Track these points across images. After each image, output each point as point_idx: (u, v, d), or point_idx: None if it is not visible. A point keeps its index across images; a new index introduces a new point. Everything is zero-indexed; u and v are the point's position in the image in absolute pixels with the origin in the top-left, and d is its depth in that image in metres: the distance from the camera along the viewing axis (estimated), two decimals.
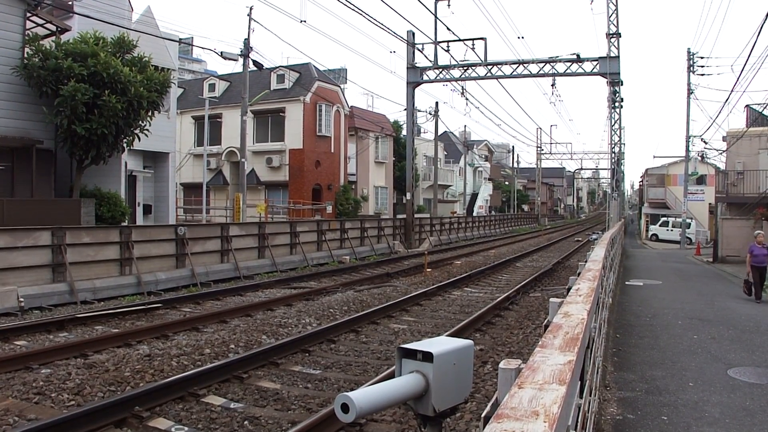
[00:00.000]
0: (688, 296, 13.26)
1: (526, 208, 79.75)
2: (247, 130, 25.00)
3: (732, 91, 34.00)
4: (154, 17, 21.58)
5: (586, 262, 6.12)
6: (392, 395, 2.24)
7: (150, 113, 16.63)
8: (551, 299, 3.32)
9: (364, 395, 2.09)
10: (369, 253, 24.51)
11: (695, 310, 11.16)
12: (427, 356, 2.34)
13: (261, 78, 33.46)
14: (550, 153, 69.00)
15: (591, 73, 25.59)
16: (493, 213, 61.81)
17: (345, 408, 2.03)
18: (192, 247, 15.53)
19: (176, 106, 24.98)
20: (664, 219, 43.95)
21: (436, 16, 26.29)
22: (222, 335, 9.31)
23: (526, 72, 26.22)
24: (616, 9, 25.82)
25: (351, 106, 39.09)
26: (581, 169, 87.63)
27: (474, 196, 61.87)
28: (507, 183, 75.75)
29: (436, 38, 26.94)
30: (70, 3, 18.53)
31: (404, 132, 40.17)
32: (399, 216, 34.07)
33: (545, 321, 3.02)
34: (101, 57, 15.06)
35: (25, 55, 15.54)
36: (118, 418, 5.57)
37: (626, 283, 15.31)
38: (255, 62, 22.85)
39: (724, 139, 27.35)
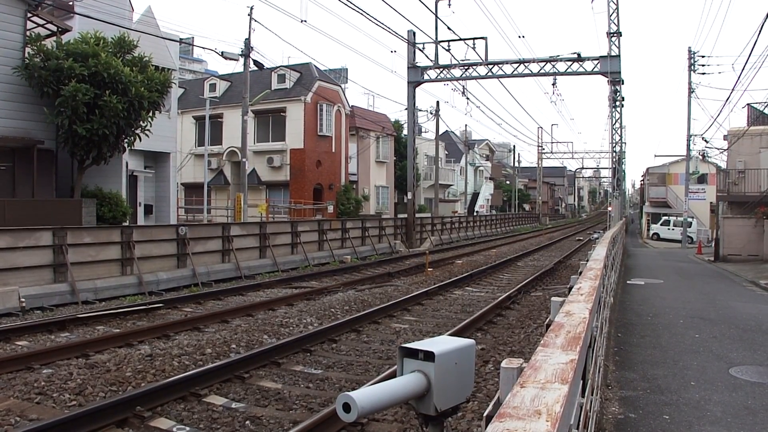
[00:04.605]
0: (689, 295, 13.25)
1: (527, 207, 79.78)
2: (248, 130, 25.04)
3: (733, 89, 34.07)
4: (155, 17, 21.59)
5: (587, 261, 6.11)
6: (394, 395, 2.24)
7: (151, 113, 16.64)
8: (553, 298, 3.31)
9: (366, 395, 2.08)
10: (370, 252, 24.51)
11: (697, 308, 11.14)
12: (429, 356, 2.34)
13: (262, 78, 33.48)
14: (551, 152, 68.97)
15: (592, 73, 25.58)
16: (494, 212, 61.83)
17: (347, 407, 2.03)
18: (193, 247, 15.53)
19: (177, 106, 25.00)
20: (666, 218, 43.94)
21: (436, 16, 26.30)
22: (223, 335, 9.31)
23: (526, 71, 26.20)
24: (617, 8, 25.83)
25: (352, 106, 39.11)
26: (582, 168, 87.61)
27: (475, 196, 61.88)
28: (508, 182, 75.77)
29: (436, 38, 26.94)
30: (71, 3, 18.54)
31: (405, 131, 40.22)
32: (400, 215, 34.08)
33: (547, 320, 3.01)
34: (102, 57, 15.07)
35: (26, 56, 15.55)
36: (119, 418, 5.56)
37: (627, 282, 15.29)
38: (256, 62, 22.86)
39: (725, 137, 27.32)
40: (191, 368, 7.26)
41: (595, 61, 25.34)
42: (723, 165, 29.42)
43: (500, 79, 27.30)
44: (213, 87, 38.29)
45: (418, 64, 27.86)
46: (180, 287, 14.50)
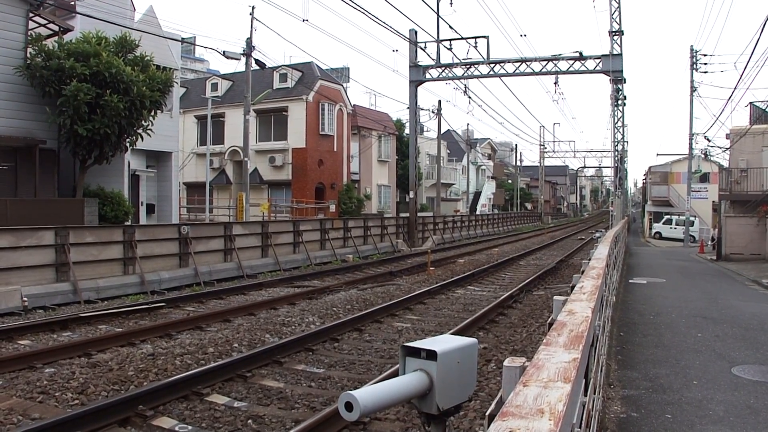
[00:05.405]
0: (691, 294, 13.23)
1: (529, 206, 79.73)
2: (250, 130, 25.02)
3: (735, 88, 33.98)
4: (156, 17, 21.61)
5: (589, 260, 6.10)
6: (396, 394, 2.23)
7: (152, 113, 16.65)
8: (555, 297, 3.31)
9: (368, 394, 2.08)
10: (372, 251, 24.51)
11: (699, 308, 11.13)
12: (431, 354, 2.33)
13: (263, 77, 33.48)
14: (553, 151, 68.88)
15: (594, 71, 25.54)
16: (496, 211, 61.78)
17: (349, 407, 2.03)
18: (195, 246, 15.54)
19: (179, 105, 25.03)
20: (668, 217, 43.87)
21: (438, 15, 26.28)
22: (225, 334, 9.31)
23: (528, 70, 26.18)
24: (619, 6, 25.79)
25: (354, 105, 39.09)
26: (584, 167, 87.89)
27: (477, 195, 61.84)
28: (510, 181, 75.73)
29: (438, 36, 26.93)
30: (73, 3, 18.57)
31: (407, 131, 40.21)
32: (402, 215, 34.08)
33: (549, 319, 3.01)
34: (103, 57, 15.08)
35: (28, 55, 15.58)
36: (121, 417, 5.57)
37: (630, 281, 15.27)
38: (257, 61, 22.85)
39: (727, 136, 27.27)
40: (193, 367, 7.27)
41: (597, 60, 25.31)
42: (725, 164, 29.35)
43: (502, 78, 27.31)
44: (215, 86, 38.30)
45: (419, 63, 27.85)
46: (182, 286, 14.51)
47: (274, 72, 34.34)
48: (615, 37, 25.26)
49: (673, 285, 14.88)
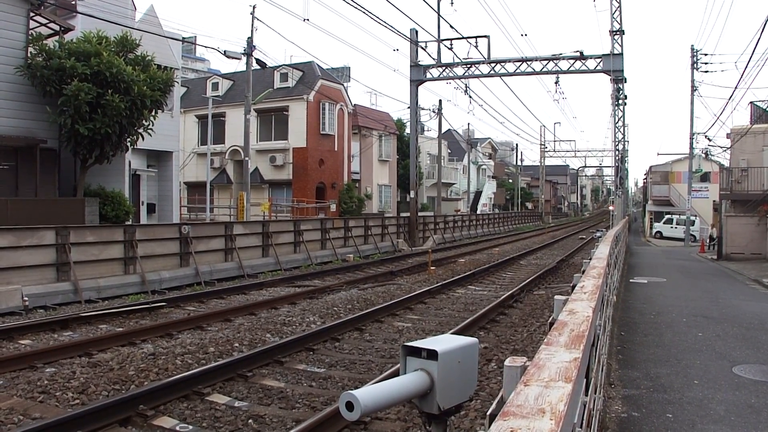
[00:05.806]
0: (692, 293, 13.22)
1: (529, 205, 79.72)
2: (251, 129, 25.03)
3: (736, 87, 33.96)
4: (157, 16, 21.61)
5: (590, 259, 6.10)
6: (397, 393, 2.23)
7: (153, 112, 16.64)
8: (556, 297, 3.31)
9: (369, 393, 2.08)
10: (373, 251, 24.51)
11: (700, 307, 11.12)
12: (432, 354, 2.33)
13: (264, 77, 33.47)
14: (554, 151, 68.79)
15: (594, 71, 25.56)
16: (496, 211, 61.77)
17: (350, 406, 2.02)
18: (196, 245, 15.54)
19: (180, 105, 25.02)
20: (669, 216, 43.85)
21: (439, 14, 26.28)
22: (226, 334, 9.31)
23: (529, 69, 26.20)
24: (620, 6, 25.79)
25: (354, 105, 39.07)
26: (585, 166, 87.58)
27: (478, 194, 61.84)
28: (510, 181, 75.73)
29: (439, 36, 26.94)
30: (74, 2, 18.57)
31: (408, 130, 40.19)
32: (403, 214, 34.07)
33: (550, 318, 3.01)
34: (104, 56, 15.07)
35: (29, 55, 15.57)
36: (122, 416, 5.57)
37: (630, 280, 15.26)
38: (258, 61, 22.86)
39: (728, 136, 27.26)
40: (194, 367, 7.27)
41: (598, 60, 25.31)
42: (726, 163, 29.34)
43: (503, 77, 27.32)
44: (215, 86, 38.29)
45: (420, 63, 27.86)
46: (183, 286, 14.52)
47: (275, 71, 34.32)
48: (616, 37, 25.26)
49: (674, 284, 14.87)
